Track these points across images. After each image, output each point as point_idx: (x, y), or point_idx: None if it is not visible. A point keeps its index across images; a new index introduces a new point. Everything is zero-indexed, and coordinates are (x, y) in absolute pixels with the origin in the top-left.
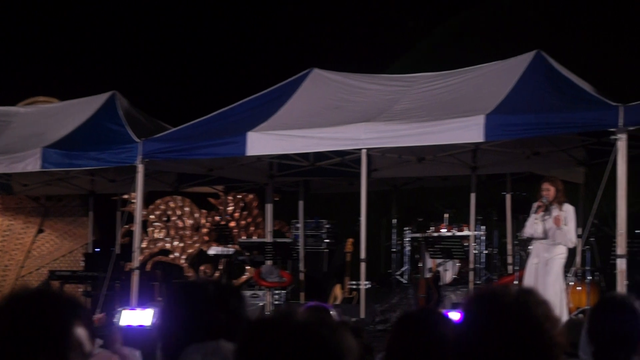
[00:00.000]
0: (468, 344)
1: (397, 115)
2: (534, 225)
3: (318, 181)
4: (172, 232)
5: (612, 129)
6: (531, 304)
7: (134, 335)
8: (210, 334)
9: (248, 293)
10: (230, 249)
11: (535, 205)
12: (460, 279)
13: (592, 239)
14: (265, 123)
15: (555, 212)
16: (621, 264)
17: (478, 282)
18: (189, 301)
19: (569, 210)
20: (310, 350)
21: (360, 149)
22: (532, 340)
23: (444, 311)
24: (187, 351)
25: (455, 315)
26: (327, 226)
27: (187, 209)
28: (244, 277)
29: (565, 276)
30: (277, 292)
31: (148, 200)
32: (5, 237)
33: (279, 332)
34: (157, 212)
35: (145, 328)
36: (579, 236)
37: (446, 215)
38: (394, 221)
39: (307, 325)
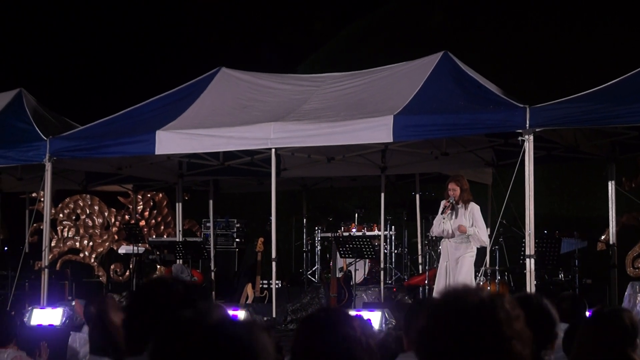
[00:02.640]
0: (431, 345)
1: (305, 115)
2: (441, 224)
3: (228, 180)
4: (81, 230)
5: (519, 130)
6: (497, 307)
7: (44, 334)
8: None
9: None
10: (140, 248)
11: (442, 204)
12: (371, 279)
13: (501, 239)
14: (174, 122)
15: (461, 211)
16: (530, 264)
17: (389, 281)
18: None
19: (475, 209)
20: (224, 351)
21: (269, 149)
22: (491, 345)
23: (348, 311)
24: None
25: (366, 315)
26: (238, 225)
27: (96, 207)
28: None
29: (475, 276)
30: None
31: (57, 198)
32: None
33: (193, 332)
34: (66, 211)
35: (55, 327)
36: (488, 236)
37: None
38: (305, 221)
39: (222, 325)
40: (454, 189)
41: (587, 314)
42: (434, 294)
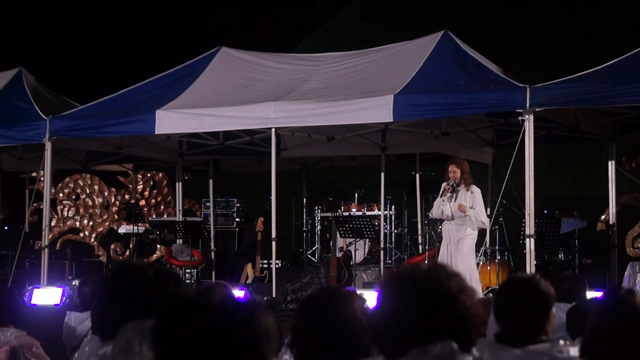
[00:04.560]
0: (386, 325)
1: (305, 94)
2: (440, 207)
3: (228, 160)
4: (81, 210)
5: (519, 110)
6: (442, 278)
7: (44, 313)
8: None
9: None
10: (140, 228)
11: (442, 187)
12: (371, 258)
13: (501, 219)
14: (174, 101)
15: (462, 194)
16: (530, 244)
17: (389, 261)
18: (129, 282)
19: (475, 191)
20: (225, 333)
21: (269, 128)
22: (447, 313)
23: (349, 291)
24: (126, 327)
25: (366, 294)
26: (238, 205)
27: (96, 187)
28: (155, 256)
29: (476, 256)
30: (188, 271)
31: (57, 178)
32: None
33: (195, 313)
34: (66, 190)
35: (55, 307)
36: (487, 216)
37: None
38: (305, 200)
39: (224, 307)
40: (454, 172)
41: (587, 294)
42: None
